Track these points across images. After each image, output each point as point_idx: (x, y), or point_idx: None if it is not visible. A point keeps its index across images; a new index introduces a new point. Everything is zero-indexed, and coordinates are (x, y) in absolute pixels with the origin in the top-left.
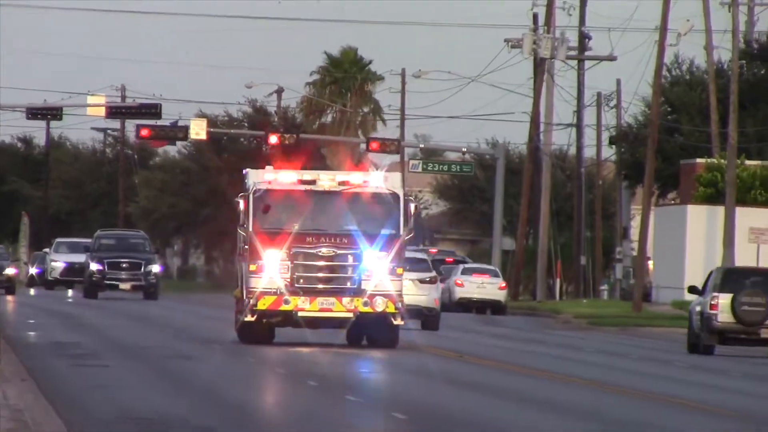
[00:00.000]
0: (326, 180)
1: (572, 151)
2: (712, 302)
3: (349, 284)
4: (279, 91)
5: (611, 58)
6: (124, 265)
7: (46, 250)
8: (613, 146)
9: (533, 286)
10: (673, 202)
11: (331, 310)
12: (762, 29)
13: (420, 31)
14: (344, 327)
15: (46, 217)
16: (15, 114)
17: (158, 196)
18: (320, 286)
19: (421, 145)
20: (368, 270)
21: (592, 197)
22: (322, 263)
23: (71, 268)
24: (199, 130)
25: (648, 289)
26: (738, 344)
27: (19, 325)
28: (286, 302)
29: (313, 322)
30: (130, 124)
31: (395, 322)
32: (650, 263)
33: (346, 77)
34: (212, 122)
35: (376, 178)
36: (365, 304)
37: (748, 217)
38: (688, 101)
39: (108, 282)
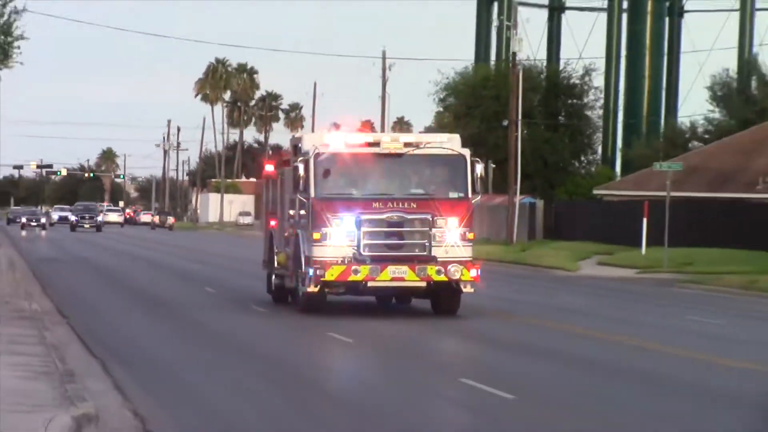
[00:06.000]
0: (390, 142)
1: None
2: None
3: (417, 251)
4: None
5: None
6: (86, 215)
7: (48, 209)
8: None
9: None
10: None
11: (403, 279)
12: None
13: None
14: (415, 296)
15: None
16: None
17: None
18: (389, 253)
19: None
20: (438, 236)
21: None
22: (390, 230)
23: (61, 218)
24: None
25: None
26: None
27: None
28: (356, 272)
29: (383, 292)
30: None
31: (465, 290)
32: None
33: None
34: None
35: (442, 139)
36: (439, 272)
37: None
38: None
39: (79, 224)
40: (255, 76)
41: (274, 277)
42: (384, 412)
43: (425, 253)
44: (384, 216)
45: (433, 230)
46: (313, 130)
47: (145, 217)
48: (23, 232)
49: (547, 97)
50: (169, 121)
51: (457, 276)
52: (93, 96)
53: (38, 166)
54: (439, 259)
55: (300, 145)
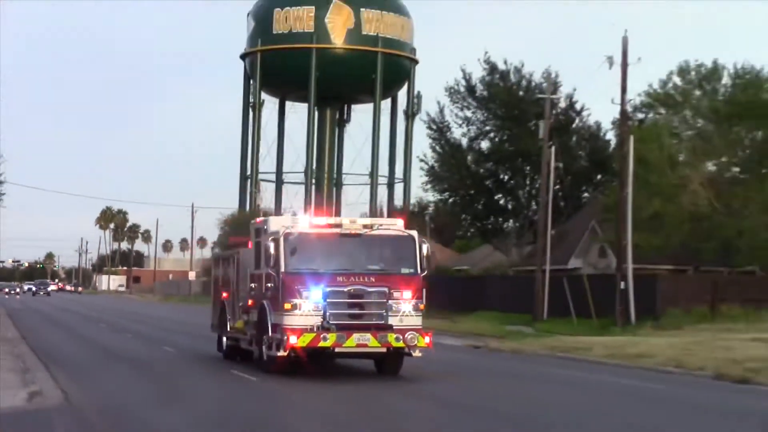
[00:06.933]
0: (350, 224)
1: None
2: None
3: (375, 320)
4: None
5: None
6: (41, 287)
7: (20, 283)
8: None
9: None
10: None
11: (366, 346)
12: None
13: None
14: (374, 359)
15: None
16: None
17: None
18: (352, 322)
19: None
20: (394, 306)
21: None
22: (352, 301)
23: (28, 288)
24: None
25: None
26: None
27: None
28: (325, 339)
29: (348, 356)
30: None
31: (414, 354)
32: None
33: None
34: None
35: (393, 223)
36: (397, 339)
37: None
38: None
39: (37, 291)
40: (126, 215)
41: (225, 339)
42: None
43: (383, 322)
44: (347, 289)
45: (390, 301)
46: (156, 247)
47: (68, 287)
48: (6, 297)
49: None
50: (81, 238)
51: (414, 342)
52: (41, 224)
53: (12, 261)
54: (395, 327)
55: (265, 227)
